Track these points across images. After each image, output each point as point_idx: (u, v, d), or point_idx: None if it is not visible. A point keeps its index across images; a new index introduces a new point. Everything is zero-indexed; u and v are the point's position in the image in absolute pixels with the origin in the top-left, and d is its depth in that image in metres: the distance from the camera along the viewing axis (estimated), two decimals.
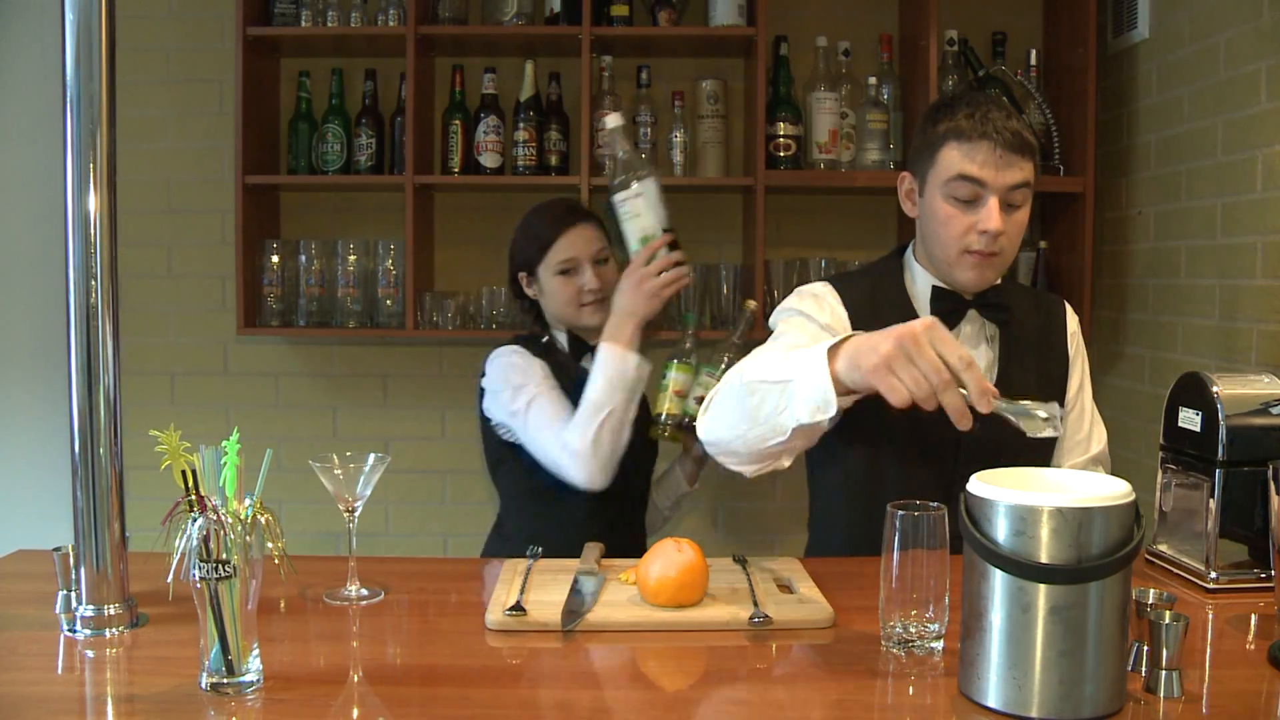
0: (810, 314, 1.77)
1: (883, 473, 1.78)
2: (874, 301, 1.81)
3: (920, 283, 1.82)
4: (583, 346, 2.16)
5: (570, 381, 2.07)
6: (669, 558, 1.41)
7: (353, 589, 1.51)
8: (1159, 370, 2.58)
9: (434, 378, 3.12)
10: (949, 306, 1.76)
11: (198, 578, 1.14)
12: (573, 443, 1.94)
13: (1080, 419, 1.89)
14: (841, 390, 1.38)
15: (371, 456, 1.55)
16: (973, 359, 1.30)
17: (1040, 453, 1.83)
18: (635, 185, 1.99)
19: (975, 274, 1.73)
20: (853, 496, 1.84)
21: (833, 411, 1.39)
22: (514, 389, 2.04)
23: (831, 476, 1.89)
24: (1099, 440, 1.90)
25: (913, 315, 1.77)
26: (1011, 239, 1.72)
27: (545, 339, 2.18)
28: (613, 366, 1.97)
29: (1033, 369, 1.83)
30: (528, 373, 2.07)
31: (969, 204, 1.69)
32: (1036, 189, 3.04)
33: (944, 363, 1.28)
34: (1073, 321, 1.93)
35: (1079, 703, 1.08)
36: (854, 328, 1.72)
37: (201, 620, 1.16)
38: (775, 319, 1.83)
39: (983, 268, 1.72)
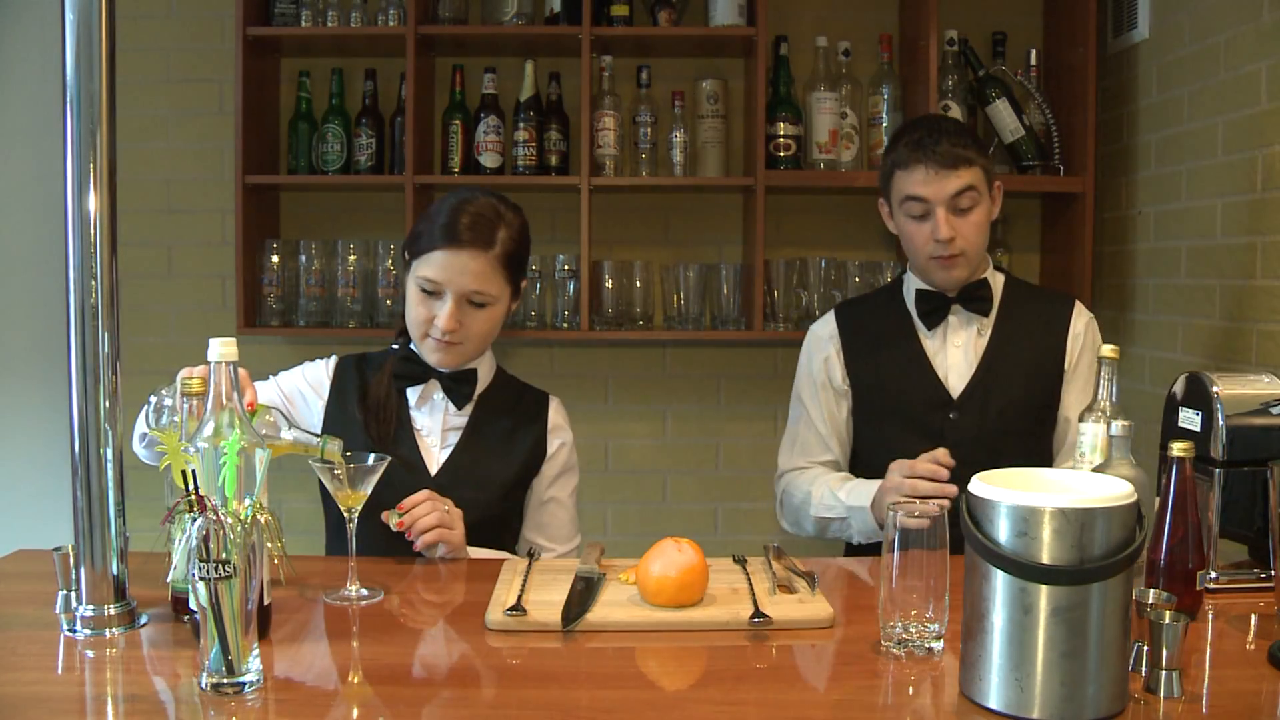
0: (810, 372, 2.13)
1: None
2: (874, 312, 2.13)
3: (910, 289, 2.09)
4: (419, 369, 1.85)
5: (377, 403, 1.83)
6: (669, 558, 1.41)
7: (353, 589, 1.51)
8: (1159, 370, 2.58)
9: None
10: (932, 306, 2.04)
11: (198, 578, 1.14)
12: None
13: (1068, 427, 2.00)
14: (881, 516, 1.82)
15: (371, 456, 1.55)
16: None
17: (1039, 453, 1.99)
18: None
19: (944, 274, 1.99)
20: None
21: (878, 537, 1.81)
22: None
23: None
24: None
25: (906, 315, 2.08)
26: (969, 238, 1.96)
27: (396, 343, 1.92)
28: None
29: (1022, 362, 2.02)
30: (293, 370, 1.93)
31: (922, 218, 1.96)
32: (1037, 189, 3.06)
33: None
34: (1078, 322, 2.06)
35: (1081, 704, 1.07)
36: (852, 340, 2.10)
37: (202, 620, 1.16)
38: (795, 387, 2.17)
39: (949, 268, 1.98)
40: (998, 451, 1.75)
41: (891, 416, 2.05)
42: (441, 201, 1.82)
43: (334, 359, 1.94)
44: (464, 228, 1.75)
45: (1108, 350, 1.67)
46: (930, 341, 2.04)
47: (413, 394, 1.86)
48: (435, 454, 1.84)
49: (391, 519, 1.63)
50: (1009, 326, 2.04)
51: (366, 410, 1.82)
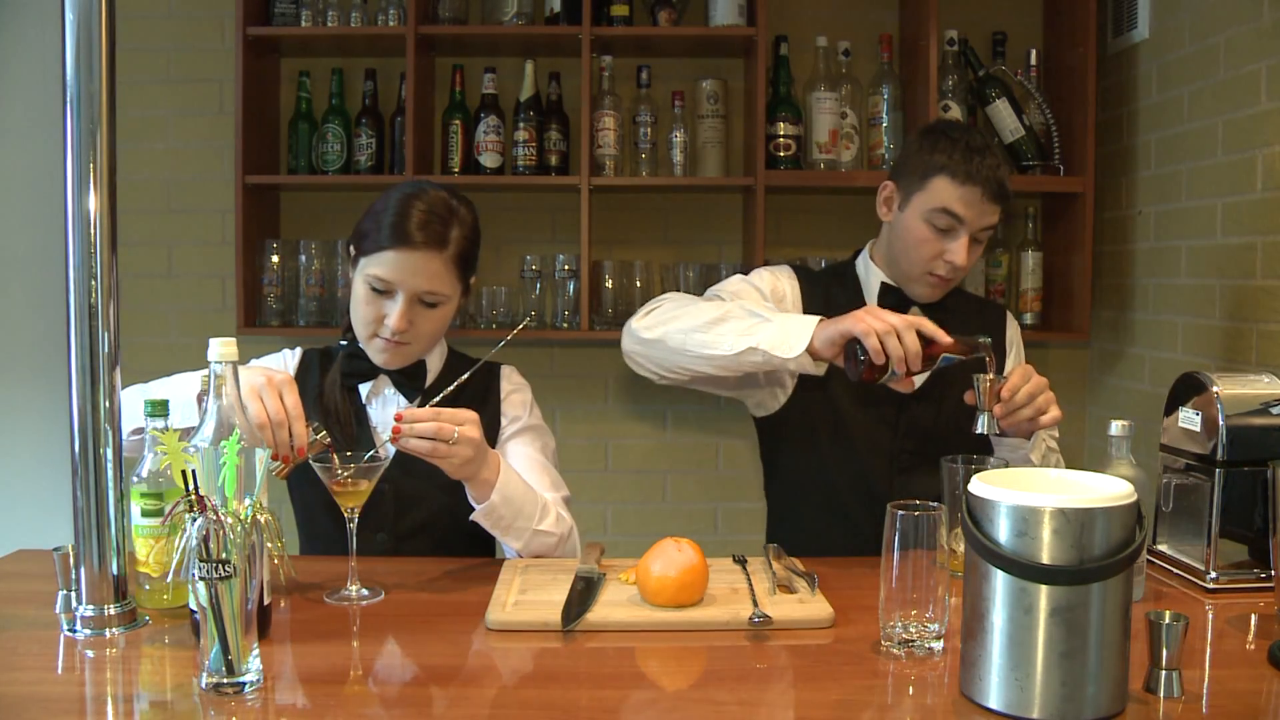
0: (759, 286, 1.96)
1: (829, 464, 1.96)
2: (828, 291, 2.01)
3: (873, 279, 2.00)
4: (367, 365, 1.80)
5: (333, 404, 1.79)
6: (669, 557, 1.41)
7: (353, 589, 1.51)
8: (1159, 370, 2.58)
9: None
10: (893, 302, 1.94)
11: (198, 578, 1.14)
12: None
13: None
14: (812, 352, 1.66)
15: (371, 456, 1.55)
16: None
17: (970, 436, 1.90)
18: None
19: (929, 292, 1.93)
20: (808, 493, 2.00)
21: (796, 353, 1.66)
22: None
23: (787, 479, 2.05)
24: (1040, 440, 1.94)
25: (859, 301, 1.97)
26: (968, 268, 1.92)
27: (345, 340, 1.86)
28: None
29: (968, 368, 1.93)
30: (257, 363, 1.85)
31: (944, 233, 1.86)
32: (1037, 189, 3.07)
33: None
34: (1012, 329, 2.09)
35: (1081, 704, 1.07)
36: (809, 304, 1.97)
37: (202, 620, 1.16)
38: (728, 282, 1.98)
39: (936, 287, 1.92)
40: (946, 443, 1.76)
41: (834, 415, 1.95)
42: (389, 195, 1.75)
43: (298, 352, 1.90)
44: (416, 227, 1.69)
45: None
46: None
47: (364, 389, 1.83)
48: (390, 449, 1.74)
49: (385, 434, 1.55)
50: (954, 326, 1.92)
51: (324, 411, 1.79)
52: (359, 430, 1.79)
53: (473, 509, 1.65)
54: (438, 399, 1.61)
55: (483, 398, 1.85)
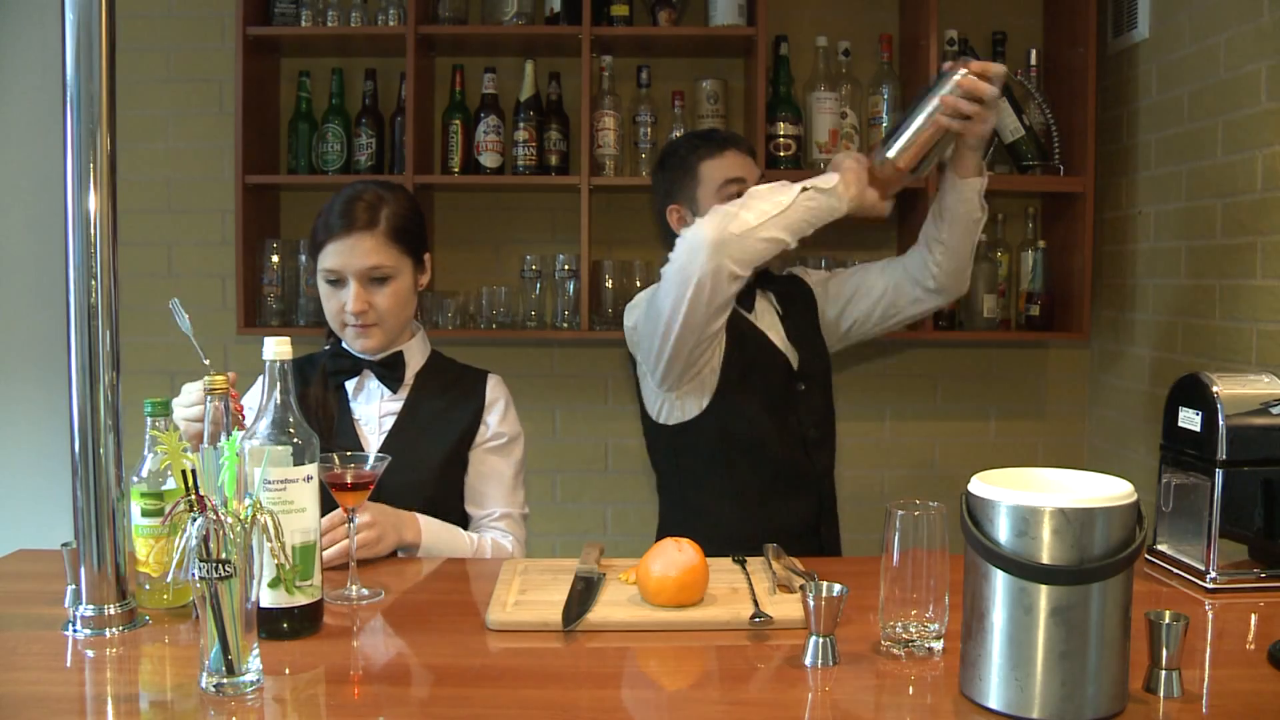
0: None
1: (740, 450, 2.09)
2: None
3: None
4: (349, 363, 1.89)
5: (317, 401, 1.86)
6: (669, 557, 1.41)
7: (353, 589, 1.51)
8: (1159, 370, 2.58)
9: None
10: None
11: (198, 578, 1.14)
12: None
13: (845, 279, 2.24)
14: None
15: (371, 456, 1.55)
16: None
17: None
18: None
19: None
20: (713, 479, 2.11)
21: (833, 183, 1.93)
22: None
23: (688, 472, 2.13)
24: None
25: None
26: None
27: (328, 344, 1.95)
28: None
29: (808, 328, 2.21)
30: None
31: (729, 185, 2.08)
32: (1037, 189, 3.05)
33: None
34: (811, 278, 2.28)
35: (1081, 704, 1.07)
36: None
37: (201, 620, 1.16)
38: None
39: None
40: (832, 408, 2.20)
41: (746, 388, 2.09)
42: (329, 200, 1.87)
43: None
44: (346, 214, 1.81)
45: None
46: (757, 320, 2.16)
47: (350, 387, 1.90)
48: (372, 441, 1.86)
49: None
50: (784, 304, 2.21)
51: (307, 410, 1.80)
52: (340, 424, 1.86)
53: (452, 498, 1.86)
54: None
55: (465, 402, 1.92)
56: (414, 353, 1.94)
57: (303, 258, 2.90)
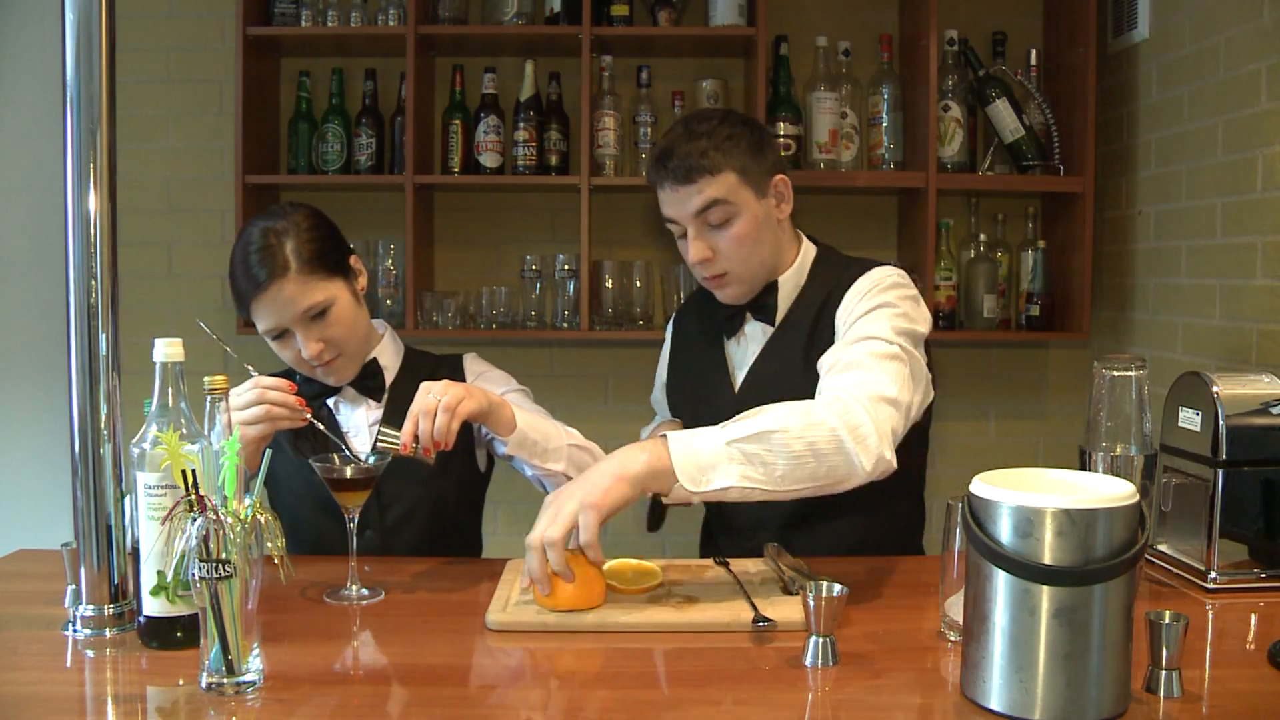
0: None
1: None
2: (702, 311, 1.94)
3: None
4: (319, 386, 1.83)
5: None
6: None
7: (353, 589, 1.51)
8: (1159, 370, 2.58)
9: None
10: (729, 312, 1.84)
11: (198, 578, 1.14)
12: None
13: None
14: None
15: (371, 457, 1.55)
16: None
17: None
18: None
19: (721, 295, 1.81)
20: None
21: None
22: None
23: None
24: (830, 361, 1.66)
25: (719, 311, 1.86)
26: (730, 255, 1.74)
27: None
28: None
29: (796, 369, 1.75)
30: None
31: (683, 238, 1.77)
32: (1037, 189, 3.05)
33: None
34: (852, 295, 1.73)
35: (1084, 706, 1.07)
36: (679, 338, 1.99)
37: (202, 620, 1.16)
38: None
39: (719, 288, 1.79)
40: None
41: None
42: (232, 253, 1.76)
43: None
44: (249, 272, 1.69)
45: None
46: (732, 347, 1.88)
47: (330, 401, 1.84)
48: (365, 450, 1.77)
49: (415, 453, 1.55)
50: (784, 333, 1.81)
51: (296, 433, 1.76)
52: (330, 440, 1.75)
53: (456, 498, 1.79)
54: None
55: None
56: (387, 356, 1.86)
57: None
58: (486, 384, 1.85)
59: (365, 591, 1.51)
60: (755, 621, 1.36)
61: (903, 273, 1.79)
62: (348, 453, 1.57)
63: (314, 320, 1.70)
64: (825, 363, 1.64)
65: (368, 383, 1.83)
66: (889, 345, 1.59)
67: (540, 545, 1.36)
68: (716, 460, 1.42)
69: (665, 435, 1.49)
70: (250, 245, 1.71)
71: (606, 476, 1.44)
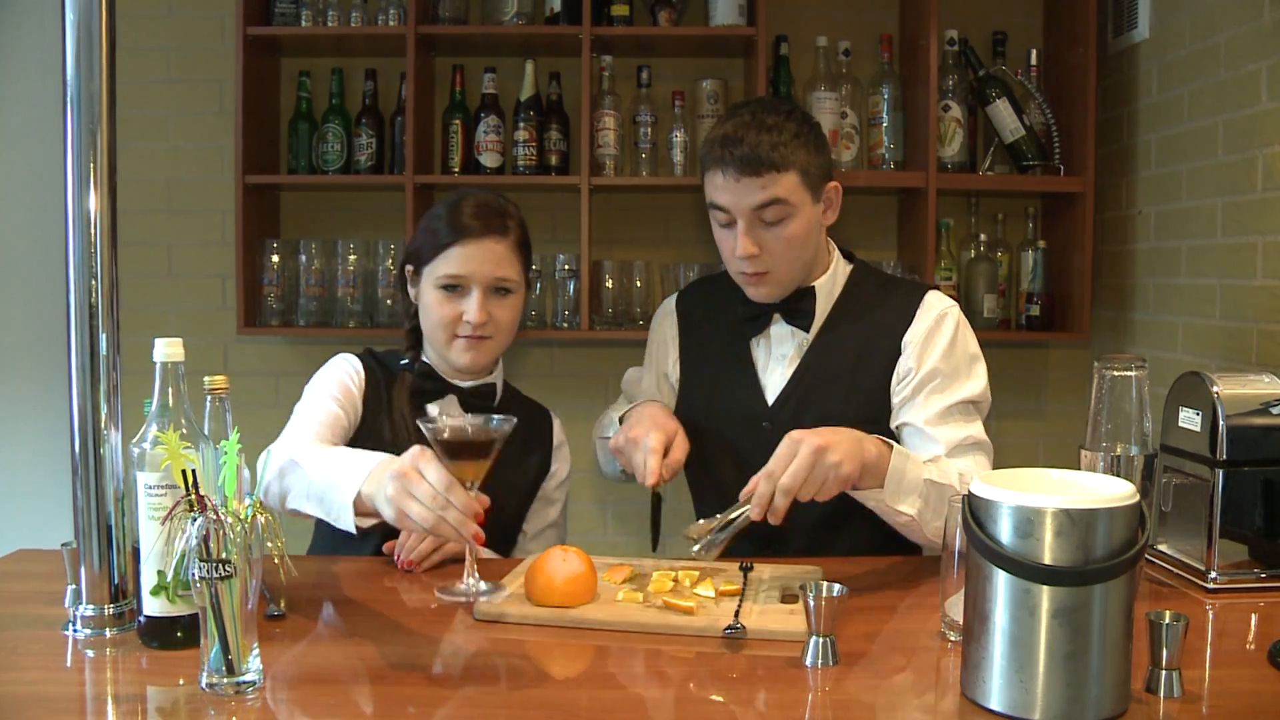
0: (650, 350, 1.99)
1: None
2: (711, 302, 1.90)
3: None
4: (437, 385, 1.79)
5: (401, 419, 1.76)
6: (554, 566, 1.44)
7: (470, 582, 1.47)
8: (1159, 370, 2.58)
9: None
10: (755, 311, 1.80)
11: (198, 578, 1.14)
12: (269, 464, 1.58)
13: (913, 436, 1.73)
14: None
15: (496, 418, 1.52)
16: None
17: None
18: None
19: (754, 291, 1.77)
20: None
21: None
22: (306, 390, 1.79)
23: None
24: (946, 442, 1.71)
25: (742, 308, 1.81)
26: (778, 255, 1.70)
27: (406, 359, 1.83)
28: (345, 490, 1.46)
29: (841, 382, 1.75)
30: (323, 380, 1.79)
31: (727, 227, 1.72)
32: (1037, 189, 3.05)
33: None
34: (919, 325, 1.75)
35: (1084, 706, 1.07)
36: (687, 328, 1.92)
37: (202, 620, 1.16)
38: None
39: (754, 286, 1.75)
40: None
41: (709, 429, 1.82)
42: (439, 206, 1.79)
43: (354, 361, 1.83)
44: (474, 218, 1.72)
45: None
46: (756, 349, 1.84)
47: (431, 409, 1.79)
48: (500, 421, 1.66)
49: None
50: (826, 345, 1.78)
51: (394, 428, 1.75)
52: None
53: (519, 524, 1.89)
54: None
55: (537, 441, 1.90)
56: (499, 386, 1.86)
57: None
58: (559, 459, 1.94)
59: (485, 585, 1.47)
60: (726, 630, 1.34)
61: (954, 304, 1.83)
62: (466, 414, 1.52)
63: (495, 292, 1.73)
64: (939, 432, 1.72)
65: (478, 402, 1.80)
66: (985, 441, 1.81)
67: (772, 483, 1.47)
68: (914, 489, 1.57)
69: (888, 443, 1.58)
70: (475, 200, 1.75)
71: (854, 443, 1.50)
